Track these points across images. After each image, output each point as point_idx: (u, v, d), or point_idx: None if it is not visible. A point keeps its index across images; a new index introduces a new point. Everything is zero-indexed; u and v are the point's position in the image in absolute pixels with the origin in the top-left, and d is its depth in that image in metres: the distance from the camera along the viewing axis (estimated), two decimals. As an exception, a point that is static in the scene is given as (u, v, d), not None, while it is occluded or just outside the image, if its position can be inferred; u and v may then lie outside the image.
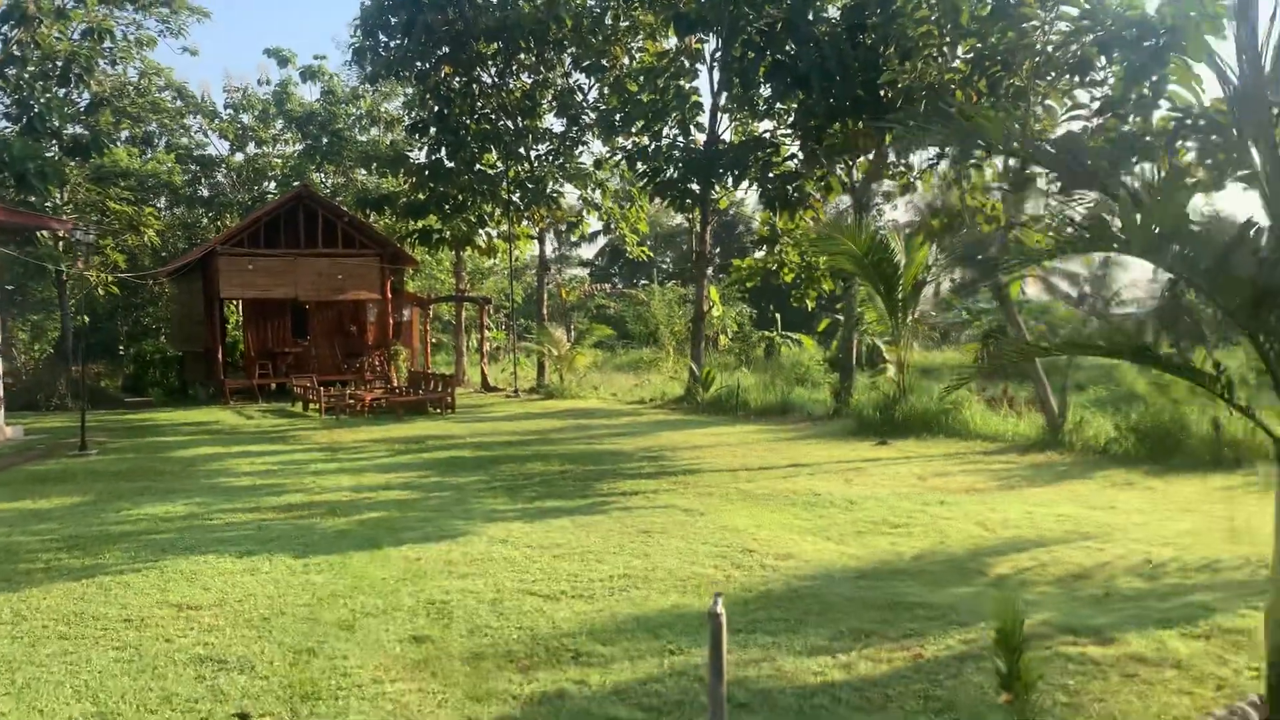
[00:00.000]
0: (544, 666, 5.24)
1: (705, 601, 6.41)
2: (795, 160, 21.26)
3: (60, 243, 23.21)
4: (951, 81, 15.67)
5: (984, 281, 15.15)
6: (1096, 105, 14.65)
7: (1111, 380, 19.82)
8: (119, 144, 35.37)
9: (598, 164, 29.20)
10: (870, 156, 19.77)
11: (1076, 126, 14.98)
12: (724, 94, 22.85)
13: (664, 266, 55.53)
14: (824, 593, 6.64)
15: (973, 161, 18.63)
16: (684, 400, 22.35)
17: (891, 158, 19.92)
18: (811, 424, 17.86)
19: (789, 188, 20.37)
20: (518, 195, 28.00)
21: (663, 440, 15.81)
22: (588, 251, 59.24)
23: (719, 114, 23.15)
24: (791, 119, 20.47)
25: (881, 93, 18.11)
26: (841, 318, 31.09)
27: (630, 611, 6.24)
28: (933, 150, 18.21)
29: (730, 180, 22.61)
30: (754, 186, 21.47)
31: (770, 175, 20.77)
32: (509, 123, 28.45)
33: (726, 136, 23.53)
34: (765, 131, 22.70)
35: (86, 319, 32.33)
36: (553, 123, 29.96)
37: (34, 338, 28.02)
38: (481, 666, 5.24)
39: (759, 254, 24.33)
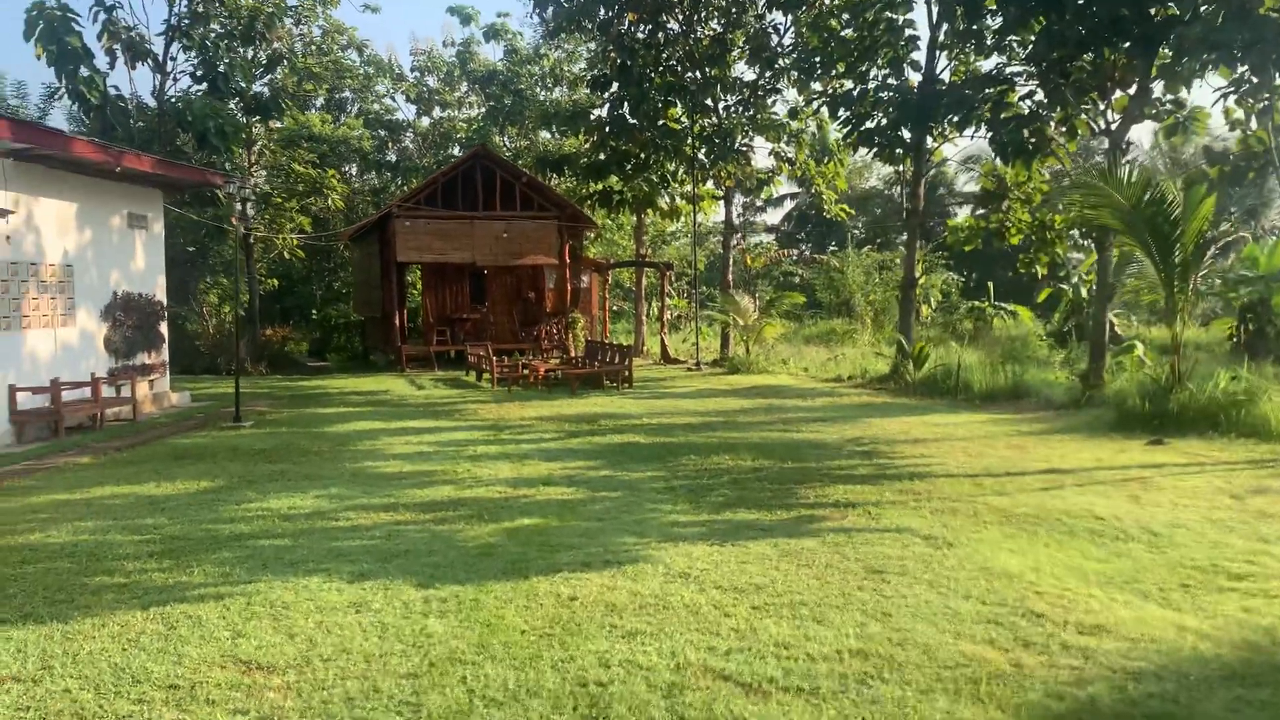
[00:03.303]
0: None
1: (998, 717, 4.10)
2: (1031, 100, 17.94)
3: (244, 204, 22.84)
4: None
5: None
6: None
7: None
8: (314, 109, 35.58)
9: (792, 113, 26.50)
10: (1130, 91, 16.32)
11: None
12: (944, 26, 19.70)
13: (856, 232, 51.92)
14: (1187, 710, 4.19)
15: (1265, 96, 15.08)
16: (890, 379, 19.59)
17: (1158, 92, 16.44)
18: (1054, 413, 14.82)
19: (1025, 131, 17.06)
20: (703, 151, 25.77)
21: (873, 429, 13.31)
22: (773, 216, 56.38)
23: (937, 51, 20.01)
24: (1029, 50, 17.17)
25: (1153, 10, 14.74)
26: (1065, 286, 27.36)
27: (881, 732, 4.03)
28: (1218, 82, 14.77)
29: (950, 126, 19.39)
30: (981, 130, 18.13)
31: (1002, 117, 17.48)
32: (695, 73, 26.22)
33: (944, 77, 20.35)
34: (993, 69, 19.35)
35: (276, 282, 32.69)
36: (743, 71, 27.52)
37: (222, 300, 28.19)
38: None
39: (980, 212, 21.10)
